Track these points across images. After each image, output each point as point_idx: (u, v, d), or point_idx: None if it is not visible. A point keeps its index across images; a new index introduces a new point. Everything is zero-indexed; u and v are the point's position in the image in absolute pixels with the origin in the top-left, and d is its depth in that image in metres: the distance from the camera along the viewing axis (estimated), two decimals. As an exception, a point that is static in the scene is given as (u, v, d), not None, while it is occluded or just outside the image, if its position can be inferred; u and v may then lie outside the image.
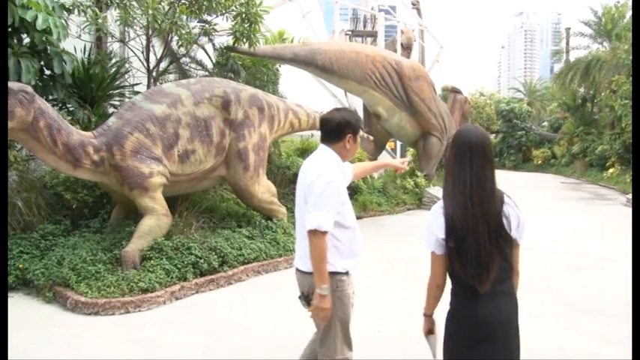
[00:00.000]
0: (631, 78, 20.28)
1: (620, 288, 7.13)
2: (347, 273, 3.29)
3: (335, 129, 3.32)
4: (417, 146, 15.86)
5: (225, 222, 8.34)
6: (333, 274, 3.21)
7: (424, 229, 2.71)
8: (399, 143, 20.48)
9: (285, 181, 11.14)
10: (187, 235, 7.38)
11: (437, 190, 15.00)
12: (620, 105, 20.15)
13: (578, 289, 7.07)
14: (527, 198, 18.33)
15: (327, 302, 3.13)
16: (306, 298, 3.26)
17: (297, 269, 3.36)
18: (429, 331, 2.95)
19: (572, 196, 19.31)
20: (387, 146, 18.94)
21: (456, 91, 19.02)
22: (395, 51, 19.18)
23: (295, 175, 11.24)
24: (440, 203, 2.68)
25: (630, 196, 17.14)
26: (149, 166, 7.07)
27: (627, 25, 21.12)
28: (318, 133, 13.20)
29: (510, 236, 2.61)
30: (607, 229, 12.26)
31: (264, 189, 8.64)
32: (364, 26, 30.72)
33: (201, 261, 6.99)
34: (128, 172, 6.95)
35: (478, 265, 2.54)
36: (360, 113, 16.28)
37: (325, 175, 3.15)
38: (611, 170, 24.74)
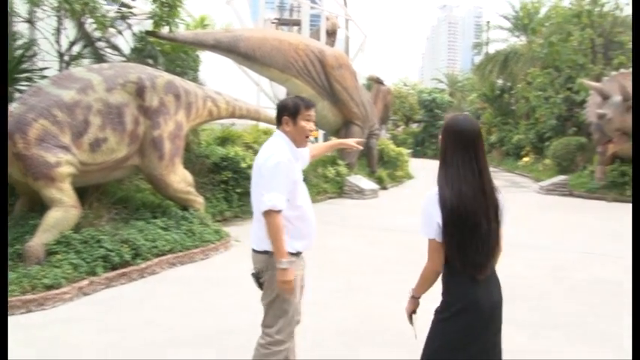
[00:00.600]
0: (545, 70, 21.11)
1: (537, 273, 7.39)
2: (297, 254, 3.38)
3: (277, 114, 3.48)
4: (339, 135, 15.89)
5: (140, 213, 8.05)
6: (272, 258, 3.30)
7: (421, 216, 2.65)
8: (321, 132, 20.47)
9: (204, 171, 10.89)
10: (98, 228, 7.05)
11: (358, 179, 15.13)
12: (535, 96, 20.93)
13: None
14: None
15: (289, 275, 3.23)
16: (257, 276, 3.38)
17: (252, 249, 3.44)
18: (413, 312, 2.93)
19: (489, 185, 19.94)
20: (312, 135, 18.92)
21: (379, 82, 19.22)
22: (319, 40, 19.17)
23: (215, 165, 11.10)
24: (436, 191, 2.62)
25: (543, 183, 17.86)
26: (56, 155, 6.71)
27: (541, 20, 21.96)
28: (240, 122, 13.09)
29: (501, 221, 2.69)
30: (522, 217, 12.70)
31: (179, 178, 8.40)
32: (290, 15, 30.57)
33: (112, 254, 6.70)
34: (32, 162, 6.57)
35: (486, 254, 2.58)
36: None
37: (274, 156, 3.26)
38: (525, 159, 25.71)
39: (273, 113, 13.63)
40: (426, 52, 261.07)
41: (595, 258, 8.50)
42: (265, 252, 3.34)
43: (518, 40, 31.67)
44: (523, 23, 29.80)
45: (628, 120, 14.15)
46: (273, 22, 28.04)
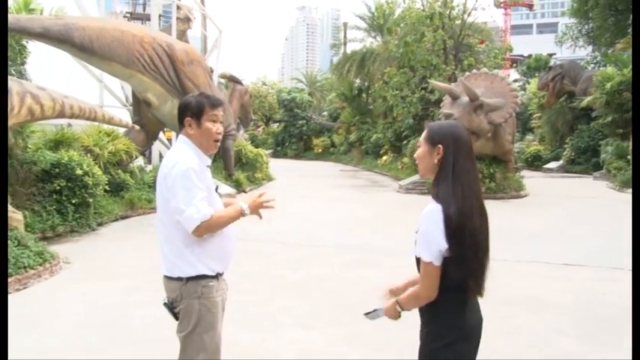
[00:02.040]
0: (401, 70, 21.30)
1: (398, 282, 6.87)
2: (216, 277, 3.00)
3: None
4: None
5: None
6: (197, 278, 2.90)
7: (422, 237, 2.34)
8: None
9: (31, 179, 9.39)
10: None
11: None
12: (392, 95, 21.03)
13: (357, 288, 6.65)
14: (308, 186, 18.34)
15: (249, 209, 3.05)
16: (171, 306, 2.96)
17: (164, 275, 3.00)
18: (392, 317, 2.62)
19: (350, 184, 19.75)
20: (164, 136, 17.62)
21: (236, 80, 18.32)
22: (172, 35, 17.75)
23: (45, 172, 9.60)
24: (439, 207, 2.32)
25: (402, 182, 17.90)
26: None
27: (396, 20, 22.18)
28: (76, 122, 11.57)
29: None
30: (382, 218, 12.40)
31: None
32: (144, 9, 28.85)
33: None
34: None
35: (485, 272, 2.42)
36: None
37: (180, 162, 2.85)
38: (384, 157, 25.98)
39: (118, 113, 12.14)
40: (286, 53, 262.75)
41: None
42: (179, 278, 2.92)
43: (375, 41, 32.17)
44: (379, 23, 30.27)
45: (476, 120, 14.35)
46: (125, 16, 26.20)
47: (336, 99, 35.61)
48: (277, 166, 24.47)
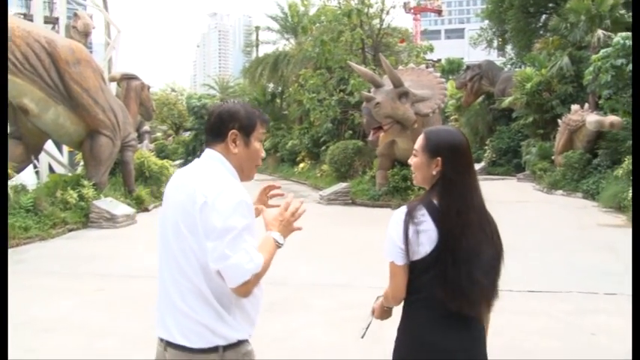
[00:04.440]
0: (318, 71, 19.97)
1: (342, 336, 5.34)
2: (246, 341, 2.25)
3: (217, 124, 2.28)
4: (83, 148, 12.77)
5: None
6: (237, 344, 2.18)
7: (386, 239, 2.26)
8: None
9: None
10: None
11: (108, 203, 12.08)
12: (308, 99, 19.64)
13: (283, 345, 5.06)
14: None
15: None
16: None
17: (178, 345, 2.16)
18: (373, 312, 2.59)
19: (266, 196, 18.08)
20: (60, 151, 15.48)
21: (129, 77, 16.16)
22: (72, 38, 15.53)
23: None
24: (423, 212, 2.21)
25: (324, 192, 16.53)
26: None
27: (312, 19, 20.86)
28: None
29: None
30: (306, 236, 10.82)
31: None
32: (51, 13, 26.56)
33: None
34: None
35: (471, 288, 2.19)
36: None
37: (228, 192, 2.11)
38: (301, 165, 24.86)
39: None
40: (198, 60, 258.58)
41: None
42: (214, 349, 2.14)
43: (288, 43, 31.00)
44: (292, 24, 29.05)
45: (400, 108, 13.10)
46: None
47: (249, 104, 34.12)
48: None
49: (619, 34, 17.00)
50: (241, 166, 2.30)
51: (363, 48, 19.79)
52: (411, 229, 2.19)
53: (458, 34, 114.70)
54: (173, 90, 42.63)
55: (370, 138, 13.82)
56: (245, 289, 2.11)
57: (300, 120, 26.49)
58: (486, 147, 26.14)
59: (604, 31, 19.23)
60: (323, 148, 22.39)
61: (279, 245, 2.26)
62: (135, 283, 7.16)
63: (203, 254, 2.11)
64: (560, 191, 16.91)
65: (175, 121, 40.43)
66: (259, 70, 29.65)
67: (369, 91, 14.01)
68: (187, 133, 38.95)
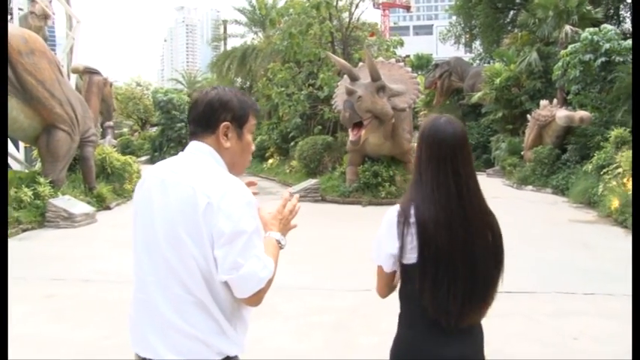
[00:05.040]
0: (286, 65, 19.60)
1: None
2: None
3: (204, 112, 2.03)
4: (39, 144, 12.18)
5: None
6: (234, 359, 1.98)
7: (375, 241, 2.13)
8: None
9: None
10: None
11: (66, 201, 11.52)
12: (277, 93, 19.26)
13: None
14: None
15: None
16: None
17: None
18: None
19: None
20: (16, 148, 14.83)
21: (92, 71, 15.61)
22: (30, 28, 14.80)
23: None
24: (397, 211, 2.08)
25: (293, 188, 16.17)
26: None
27: (280, 11, 20.42)
28: None
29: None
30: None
31: None
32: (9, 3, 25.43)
33: None
34: None
35: (465, 300, 2.05)
36: None
37: (234, 191, 1.89)
38: (270, 161, 24.54)
39: None
40: (165, 55, 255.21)
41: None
42: None
43: (257, 37, 30.52)
44: (261, 15, 28.59)
45: (379, 102, 12.77)
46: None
47: (217, 99, 33.58)
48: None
49: (587, 29, 17.06)
50: (233, 160, 2.06)
51: (332, 41, 19.48)
52: (402, 230, 2.03)
53: (426, 30, 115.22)
54: (139, 84, 41.62)
55: (352, 139, 13.12)
56: (257, 299, 1.93)
57: (268, 115, 26.03)
58: (456, 143, 26.08)
59: (571, 27, 19.29)
60: (292, 143, 22.03)
61: (281, 247, 2.11)
62: (91, 288, 6.69)
63: (206, 262, 1.88)
64: (530, 187, 16.88)
65: (141, 116, 39.58)
66: (227, 64, 29.11)
67: (338, 85, 13.71)
68: (154, 129, 38.16)
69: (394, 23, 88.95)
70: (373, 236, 2.16)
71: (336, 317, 5.62)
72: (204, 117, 2.03)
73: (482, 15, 28.86)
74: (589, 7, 20.70)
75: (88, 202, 12.41)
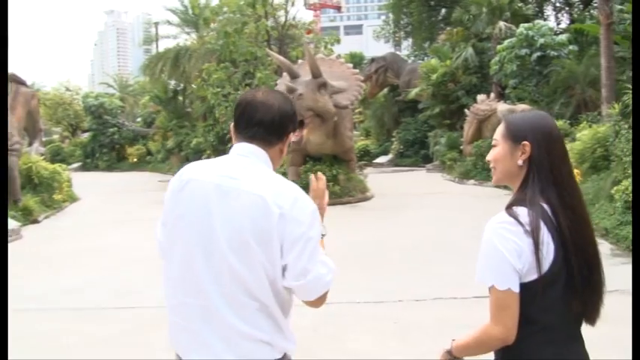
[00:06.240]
0: (222, 65, 19.09)
1: None
2: None
3: (280, 122, 2.04)
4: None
5: None
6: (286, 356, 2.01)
7: (486, 258, 1.83)
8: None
9: None
10: None
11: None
12: (212, 94, 18.70)
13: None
14: (122, 206, 15.32)
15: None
16: None
17: None
18: None
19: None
20: None
21: (19, 81, 14.77)
22: None
23: None
24: (513, 221, 1.81)
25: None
26: None
27: (214, 9, 19.91)
28: None
29: None
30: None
31: None
32: None
33: None
34: None
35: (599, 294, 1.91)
36: None
37: (303, 199, 1.94)
38: (207, 164, 23.81)
39: None
40: (95, 59, 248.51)
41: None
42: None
43: (190, 37, 29.81)
44: (193, 15, 27.87)
45: (321, 100, 12.43)
46: None
47: (150, 102, 32.73)
48: (86, 181, 21.10)
49: (521, 25, 17.36)
50: (275, 166, 2.09)
51: (268, 40, 19.10)
52: (531, 240, 1.78)
53: (357, 30, 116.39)
54: (68, 89, 39.98)
55: (293, 139, 12.74)
56: (322, 301, 2.00)
57: (204, 117, 25.55)
58: (393, 139, 26.18)
59: (505, 23, 19.60)
60: (229, 145, 21.23)
61: (324, 236, 2.10)
62: (19, 319, 5.69)
63: (273, 269, 1.90)
64: (472, 181, 16.97)
65: (72, 122, 38.03)
66: (159, 66, 28.25)
67: (278, 84, 13.32)
68: (85, 135, 36.76)
69: (331, 20, 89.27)
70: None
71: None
72: (279, 125, 2.03)
73: (415, 12, 29.09)
74: (520, 4, 21.15)
75: (13, 217, 11.55)
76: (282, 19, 19.63)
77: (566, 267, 1.80)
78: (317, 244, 1.92)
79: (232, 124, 2.09)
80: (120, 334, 5.34)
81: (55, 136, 39.52)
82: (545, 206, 1.83)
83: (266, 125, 2.00)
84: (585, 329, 1.94)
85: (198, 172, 2.01)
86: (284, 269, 1.90)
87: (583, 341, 1.93)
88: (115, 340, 5.19)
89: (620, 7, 14.25)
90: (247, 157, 1.99)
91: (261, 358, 1.93)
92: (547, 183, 1.85)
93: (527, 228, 1.78)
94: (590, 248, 1.87)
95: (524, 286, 1.79)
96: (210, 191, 1.93)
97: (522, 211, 1.82)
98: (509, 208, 1.86)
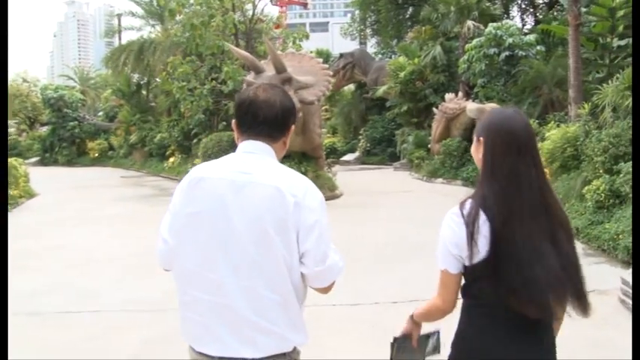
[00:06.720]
0: (188, 58, 18.69)
1: None
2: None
3: (283, 117, 2.13)
4: None
5: None
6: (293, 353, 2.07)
7: (441, 246, 2.03)
8: None
9: None
10: None
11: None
12: (178, 88, 18.26)
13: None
14: (82, 202, 14.81)
15: None
16: None
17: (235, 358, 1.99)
18: (408, 336, 2.28)
19: (133, 195, 16.54)
20: None
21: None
22: None
23: None
24: (459, 211, 2.00)
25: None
26: None
27: (181, 1, 19.38)
28: None
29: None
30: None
31: None
32: None
33: None
34: None
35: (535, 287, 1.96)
36: None
37: (314, 189, 2.06)
38: (171, 159, 23.68)
39: None
40: (55, 51, 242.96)
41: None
42: (281, 355, 2.02)
43: (154, 30, 29.19)
44: (158, 7, 27.26)
45: None
46: None
47: (112, 96, 31.97)
48: (44, 176, 20.51)
49: (490, 24, 17.43)
50: (279, 159, 2.19)
51: (235, 33, 18.73)
52: (466, 230, 1.94)
53: (322, 27, 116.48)
54: (25, 80, 38.82)
55: None
56: (331, 287, 2.11)
57: (168, 112, 25.07)
58: (360, 137, 26.10)
59: (474, 22, 19.67)
60: (195, 140, 21.20)
61: None
62: None
63: (291, 258, 1.98)
64: (440, 179, 16.98)
65: (29, 115, 36.92)
66: (122, 59, 27.53)
67: (245, 79, 13.01)
68: (44, 128, 35.74)
69: (297, 17, 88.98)
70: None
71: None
72: (282, 121, 2.10)
73: (383, 10, 29.08)
74: (488, 4, 21.29)
75: (-34, 211, 11.04)
76: (250, 12, 19.25)
77: (496, 263, 1.91)
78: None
79: (234, 123, 2.14)
80: (82, 339, 5.04)
81: (12, 130, 38.32)
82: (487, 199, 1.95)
83: (270, 122, 2.07)
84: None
85: (209, 170, 2.08)
86: (302, 256, 1.98)
87: (540, 338, 2.01)
88: (77, 346, 4.89)
89: (585, 9, 14.38)
90: (255, 154, 2.07)
91: (274, 352, 1.99)
92: (486, 177, 1.99)
93: (466, 219, 1.93)
94: (527, 243, 1.92)
95: (465, 268, 2.00)
96: (224, 187, 2.00)
97: (469, 204, 1.96)
98: (464, 200, 2.01)
